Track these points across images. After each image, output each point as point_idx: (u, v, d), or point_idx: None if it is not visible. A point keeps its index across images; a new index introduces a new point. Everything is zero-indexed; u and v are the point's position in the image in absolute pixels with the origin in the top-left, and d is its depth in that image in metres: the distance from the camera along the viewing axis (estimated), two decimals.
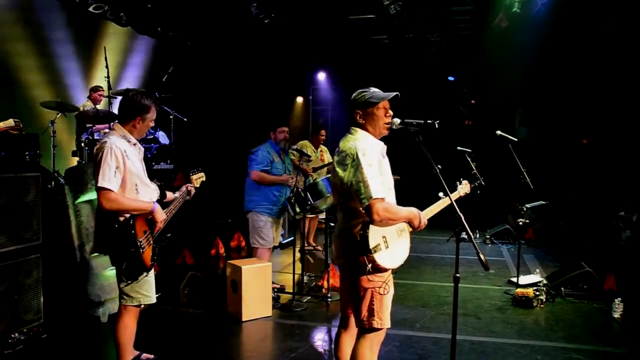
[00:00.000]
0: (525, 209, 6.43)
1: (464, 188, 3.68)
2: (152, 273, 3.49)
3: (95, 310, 4.82)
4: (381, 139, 3.00)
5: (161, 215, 3.45)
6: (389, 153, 3.01)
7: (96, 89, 7.57)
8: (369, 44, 11.88)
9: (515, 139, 5.97)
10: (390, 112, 2.96)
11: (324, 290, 5.83)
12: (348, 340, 3.13)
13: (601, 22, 9.14)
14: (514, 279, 6.10)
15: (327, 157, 7.91)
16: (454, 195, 3.22)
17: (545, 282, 5.88)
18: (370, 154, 2.80)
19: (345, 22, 10.89)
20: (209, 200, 8.10)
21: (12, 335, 4.07)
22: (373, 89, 2.96)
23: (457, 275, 2.89)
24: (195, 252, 7.11)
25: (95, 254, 4.77)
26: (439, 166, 2.84)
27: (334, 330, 3.32)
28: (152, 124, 3.57)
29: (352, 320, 3.02)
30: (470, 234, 2.75)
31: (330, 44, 11.72)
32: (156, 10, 8.93)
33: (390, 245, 2.86)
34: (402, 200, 3.02)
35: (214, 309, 5.24)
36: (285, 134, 5.70)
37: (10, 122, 4.52)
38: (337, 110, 13.80)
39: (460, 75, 12.78)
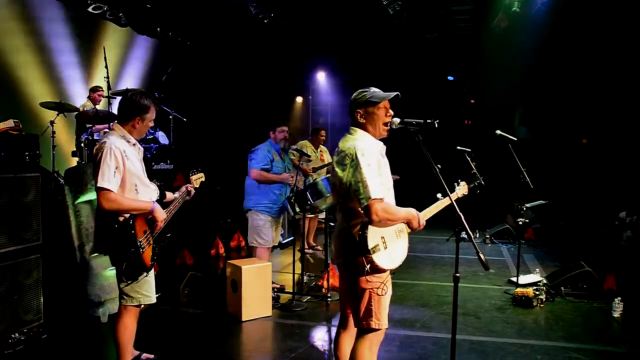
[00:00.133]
0: (525, 209, 6.43)
1: (461, 190, 3.68)
2: (152, 273, 3.49)
3: (95, 311, 4.82)
4: (381, 139, 3.00)
5: (161, 215, 3.45)
6: (388, 153, 3.01)
7: (96, 89, 7.57)
8: (369, 43, 11.88)
9: (515, 139, 5.97)
10: (391, 112, 2.97)
11: (323, 290, 5.84)
12: (347, 340, 3.14)
13: (601, 22, 9.14)
14: (514, 279, 6.10)
15: (327, 157, 7.91)
16: (452, 197, 3.22)
17: (545, 281, 5.88)
18: (369, 154, 2.80)
19: (345, 21, 10.89)
20: (208, 200, 8.11)
21: (12, 336, 4.07)
22: (373, 89, 2.97)
23: (457, 274, 2.89)
24: (195, 252, 7.11)
25: (95, 254, 4.77)
26: (439, 166, 2.84)
27: (334, 330, 3.32)
28: (151, 124, 3.57)
29: (352, 320, 3.02)
30: (470, 233, 2.75)
31: (330, 44, 11.72)
32: (155, 10, 8.93)
33: (389, 246, 2.86)
34: (401, 201, 3.03)
35: (214, 309, 5.24)
36: (285, 133, 5.71)
37: (10, 122, 4.53)
38: (336, 110, 13.80)
39: (460, 74, 12.77)
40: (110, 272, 4.82)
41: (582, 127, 10.76)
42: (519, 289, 5.56)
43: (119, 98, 6.56)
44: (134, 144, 3.45)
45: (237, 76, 11.32)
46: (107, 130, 6.84)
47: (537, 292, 5.51)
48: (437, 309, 5.35)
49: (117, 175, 3.22)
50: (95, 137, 6.74)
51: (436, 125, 2.84)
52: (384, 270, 2.85)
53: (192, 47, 10.32)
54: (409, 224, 2.93)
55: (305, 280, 6.26)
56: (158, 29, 9.35)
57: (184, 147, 8.58)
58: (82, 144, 6.80)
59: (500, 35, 9.78)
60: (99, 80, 7.88)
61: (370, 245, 2.76)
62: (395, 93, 2.93)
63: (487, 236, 9.04)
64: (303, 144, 8.10)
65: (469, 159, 5.76)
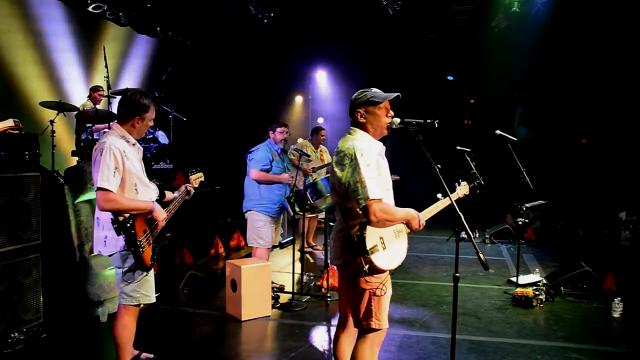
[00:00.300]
0: (524, 209, 6.43)
1: (462, 189, 3.67)
2: (151, 273, 3.49)
3: (94, 310, 4.83)
4: (380, 139, 3.00)
5: (161, 215, 3.45)
6: (388, 153, 3.01)
7: (96, 88, 7.56)
8: (369, 43, 11.88)
9: (515, 139, 5.98)
10: (391, 112, 2.97)
11: (323, 290, 5.84)
12: (346, 340, 3.14)
13: (601, 22, 9.15)
14: (514, 279, 6.10)
15: (327, 157, 7.92)
16: (453, 197, 3.22)
17: (544, 281, 5.88)
18: (368, 155, 2.80)
19: (345, 21, 10.89)
20: (208, 199, 8.11)
21: (12, 335, 4.07)
22: (374, 89, 2.97)
23: (457, 274, 2.89)
24: (194, 252, 7.11)
25: (95, 254, 4.77)
26: (439, 166, 2.84)
27: (333, 330, 3.32)
28: (151, 124, 3.57)
29: (351, 320, 3.02)
30: (470, 233, 2.75)
31: (330, 44, 11.73)
32: (155, 9, 8.94)
33: (388, 247, 2.86)
34: (401, 201, 3.03)
35: (213, 308, 5.24)
36: (285, 134, 5.71)
37: (10, 121, 4.52)
38: (336, 109, 13.80)
39: (460, 75, 12.77)
40: (110, 272, 4.82)
41: (581, 127, 10.77)
42: (518, 289, 5.56)
43: (118, 97, 6.55)
44: (133, 144, 3.44)
45: (237, 76, 11.32)
46: (106, 129, 6.84)
47: (537, 292, 5.51)
48: (437, 309, 5.35)
49: (116, 175, 3.21)
50: (95, 137, 6.74)
51: (436, 125, 2.84)
52: (382, 271, 2.84)
53: (192, 47, 10.32)
54: (408, 224, 2.93)
55: (304, 280, 6.26)
56: (158, 28, 9.35)
57: (184, 147, 8.58)
58: (82, 144, 6.79)
59: (500, 35, 9.78)
60: (99, 79, 7.87)
61: (369, 245, 2.76)
62: (396, 94, 2.94)
63: (487, 236, 9.04)
64: (303, 143, 8.11)
65: (468, 159, 5.76)
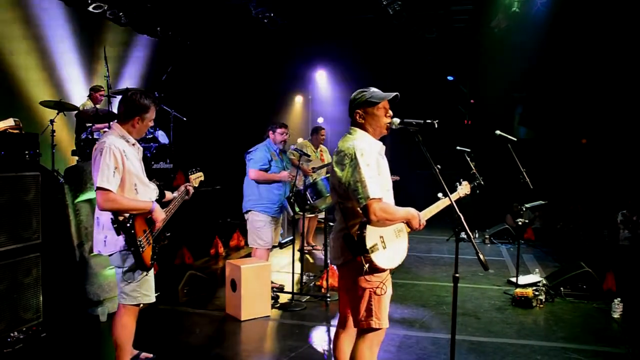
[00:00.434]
0: (524, 209, 6.43)
1: (463, 189, 3.67)
2: (151, 272, 3.49)
3: (94, 309, 4.83)
4: (380, 139, 3.00)
5: (160, 215, 3.45)
6: (388, 153, 3.01)
7: (97, 89, 7.56)
8: (369, 43, 11.88)
9: (515, 139, 5.98)
10: (390, 112, 2.97)
11: (323, 290, 5.84)
12: (346, 340, 3.14)
13: (601, 22, 9.15)
14: (514, 279, 6.10)
15: (327, 157, 7.92)
16: (454, 196, 3.22)
17: (544, 282, 5.88)
18: (368, 154, 2.81)
19: (345, 21, 10.89)
20: (208, 199, 8.11)
21: (12, 334, 4.07)
22: (373, 89, 2.97)
23: (457, 275, 2.89)
24: (194, 252, 7.11)
25: (95, 253, 4.77)
26: (439, 166, 2.84)
27: (333, 330, 3.32)
28: (151, 124, 3.56)
29: (351, 320, 3.02)
30: (470, 233, 2.75)
31: (330, 44, 11.72)
32: (155, 9, 8.93)
33: (388, 246, 2.86)
34: (401, 201, 3.03)
35: (213, 308, 5.24)
36: (285, 135, 5.71)
37: (10, 121, 4.52)
38: (336, 109, 13.80)
39: (460, 75, 12.78)
40: (110, 271, 4.82)
41: (581, 127, 10.78)
42: (518, 290, 5.56)
43: (119, 97, 6.55)
44: (133, 144, 3.44)
45: (237, 76, 11.32)
46: (106, 129, 6.83)
47: (537, 293, 5.51)
48: (437, 309, 5.35)
49: (116, 175, 3.21)
50: (95, 136, 6.74)
51: (436, 126, 2.84)
52: (383, 270, 2.84)
53: (192, 47, 10.32)
54: (408, 223, 2.93)
55: (304, 280, 6.26)
56: (158, 28, 9.35)
57: (184, 147, 8.57)
58: (82, 143, 6.79)
59: (500, 36, 9.78)
60: (99, 79, 7.87)
61: (369, 244, 2.76)
62: (395, 94, 2.94)
63: (487, 236, 9.04)
64: (303, 143, 8.11)
65: (468, 159, 5.76)
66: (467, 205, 3.55)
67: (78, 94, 8.35)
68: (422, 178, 11.06)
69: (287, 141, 5.82)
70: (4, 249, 4.01)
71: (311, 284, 6.17)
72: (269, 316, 5.04)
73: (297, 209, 5.41)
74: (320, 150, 7.99)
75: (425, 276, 6.73)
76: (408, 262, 7.30)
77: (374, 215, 2.70)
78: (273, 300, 5.30)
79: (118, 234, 3.20)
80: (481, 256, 2.64)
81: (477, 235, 9.23)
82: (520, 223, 6.24)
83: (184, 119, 8.49)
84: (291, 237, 8.13)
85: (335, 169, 2.90)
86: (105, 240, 3.33)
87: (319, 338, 4.60)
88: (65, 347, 4.28)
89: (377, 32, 11.23)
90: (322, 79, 13.83)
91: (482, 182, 4.32)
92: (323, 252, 6.28)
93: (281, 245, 7.12)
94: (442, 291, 6.01)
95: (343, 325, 3.17)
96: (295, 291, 5.61)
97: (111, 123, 5.79)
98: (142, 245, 3.27)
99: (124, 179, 3.28)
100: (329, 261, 5.82)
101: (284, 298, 5.57)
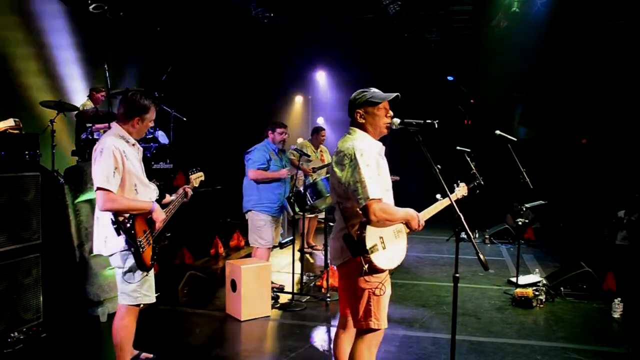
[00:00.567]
0: (524, 209, 6.43)
1: (461, 190, 3.68)
2: (151, 273, 3.49)
3: (94, 310, 4.83)
4: (380, 140, 3.01)
5: (161, 215, 3.45)
6: (387, 153, 3.02)
7: (98, 89, 7.55)
8: (369, 43, 11.88)
9: (515, 139, 5.98)
10: (391, 113, 2.97)
11: (323, 290, 5.84)
12: (347, 340, 3.14)
13: (600, 22, 9.15)
14: (514, 279, 6.10)
15: (327, 158, 7.91)
16: (451, 198, 3.21)
17: (544, 282, 5.88)
18: (368, 155, 2.81)
19: (345, 21, 10.89)
20: (208, 199, 8.11)
21: (12, 335, 4.07)
22: (373, 89, 2.97)
23: (457, 275, 2.89)
24: (194, 252, 7.11)
25: (95, 254, 4.77)
26: (439, 166, 2.84)
27: (333, 330, 3.32)
28: (151, 124, 3.56)
29: (351, 320, 3.02)
30: (470, 233, 2.75)
31: (330, 44, 11.73)
32: (155, 9, 8.93)
33: (387, 246, 2.86)
34: (401, 201, 3.02)
35: (213, 308, 5.24)
36: (284, 135, 5.72)
37: (10, 121, 4.53)
38: (336, 109, 13.80)
39: (460, 75, 12.78)
40: (110, 272, 4.82)
41: (581, 127, 10.78)
42: (518, 290, 5.56)
43: (119, 97, 6.54)
44: (133, 144, 3.44)
45: (237, 76, 11.31)
46: (106, 129, 6.83)
47: (537, 293, 5.51)
48: (437, 309, 5.35)
49: (116, 175, 3.21)
50: (95, 137, 6.73)
51: (436, 126, 2.84)
52: (382, 271, 2.84)
53: (192, 47, 10.31)
54: (408, 224, 2.93)
55: (304, 280, 6.26)
56: (158, 28, 9.35)
57: (184, 147, 8.57)
58: (82, 143, 6.79)
59: (500, 35, 9.78)
60: (99, 79, 7.86)
61: (369, 245, 2.76)
62: (396, 94, 2.94)
63: (487, 236, 9.04)
64: (303, 143, 8.11)
65: (468, 159, 5.76)
66: (467, 205, 3.55)
67: (78, 94, 8.35)
68: (422, 178, 11.05)
69: (286, 141, 5.83)
70: (4, 250, 4.01)
71: (311, 284, 6.16)
72: (269, 316, 5.04)
73: (297, 209, 5.41)
74: (321, 151, 7.99)
75: (425, 276, 6.73)
76: (408, 262, 7.30)
77: (374, 215, 2.71)
78: (273, 301, 5.30)
79: (118, 234, 3.20)
80: (481, 256, 2.64)
81: (477, 235, 9.23)
82: (520, 223, 6.24)
83: (184, 119, 8.49)
84: (291, 237, 8.13)
85: (335, 169, 2.90)
86: (106, 241, 3.33)
87: (319, 338, 4.60)
88: (66, 348, 4.28)
89: (377, 32, 11.24)
90: (322, 79, 13.84)
91: (482, 182, 4.33)
92: (323, 252, 6.28)
93: (281, 246, 7.13)
94: (442, 291, 6.01)
95: (343, 325, 3.17)
96: (295, 291, 5.61)
97: (111, 123, 5.79)
98: (142, 246, 3.27)
99: (124, 179, 3.28)
100: (329, 261, 5.83)
101: (284, 298, 5.57)
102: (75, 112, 7.19)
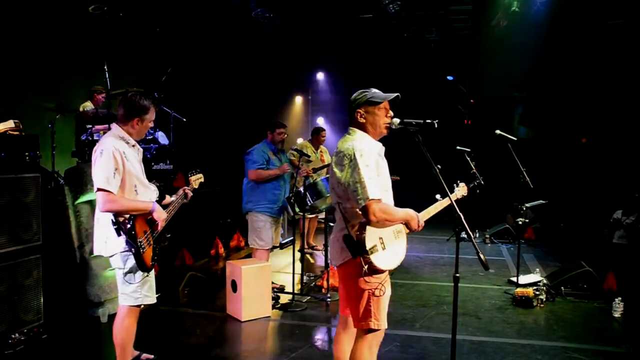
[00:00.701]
0: (524, 209, 6.43)
1: (460, 191, 3.68)
2: (152, 273, 3.49)
3: (95, 311, 4.83)
4: (380, 140, 3.01)
5: (161, 215, 3.45)
6: (387, 154, 3.02)
7: (97, 90, 7.56)
8: (368, 43, 11.88)
9: (515, 138, 5.97)
10: (391, 113, 2.98)
11: (323, 290, 5.84)
12: (347, 340, 3.14)
13: (600, 21, 9.15)
14: (514, 279, 6.10)
15: (327, 158, 7.91)
16: (451, 198, 3.22)
17: (545, 281, 5.88)
18: (368, 155, 2.81)
19: (345, 21, 10.89)
20: (208, 200, 8.11)
21: (13, 336, 4.07)
22: (373, 90, 2.98)
23: (457, 274, 2.89)
24: (194, 253, 7.11)
25: (95, 255, 4.77)
26: (439, 166, 2.84)
27: (334, 330, 3.32)
28: (151, 125, 3.56)
29: (351, 320, 3.02)
30: (470, 233, 2.75)
31: (330, 44, 11.73)
32: (155, 10, 8.94)
33: (387, 247, 2.86)
34: (401, 201, 3.03)
35: (213, 309, 5.24)
36: (283, 135, 5.72)
37: (10, 123, 4.53)
38: (336, 110, 13.81)
39: (459, 74, 12.78)
40: (110, 273, 4.82)
41: (581, 127, 10.77)
42: (519, 289, 5.56)
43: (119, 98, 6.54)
44: (133, 145, 3.44)
45: (237, 76, 11.32)
46: (106, 130, 6.83)
47: (537, 292, 5.51)
48: (437, 309, 5.35)
49: (116, 176, 3.21)
50: (95, 138, 6.74)
51: (436, 126, 2.84)
52: (382, 271, 2.85)
53: (192, 47, 10.31)
54: (407, 224, 2.93)
55: (305, 281, 6.26)
56: (158, 29, 9.35)
57: (184, 148, 8.57)
58: (82, 145, 6.79)
59: (500, 35, 9.78)
60: (99, 80, 7.86)
61: (368, 245, 2.76)
62: (396, 94, 2.94)
63: (487, 236, 9.04)
64: (303, 144, 8.11)
65: (468, 158, 5.76)
66: (467, 205, 3.55)
67: (78, 96, 8.35)
68: (421, 178, 11.04)
69: (285, 140, 5.83)
70: (4, 251, 4.01)
71: (312, 285, 6.16)
72: (269, 317, 5.04)
73: (297, 210, 5.41)
74: (321, 151, 7.99)
75: (426, 276, 6.73)
76: (408, 262, 7.30)
77: (373, 216, 2.71)
78: (273, 301, 5.30)
79: (119, 235, 3.20)
80: (482, 256, 2.64)
81: (477, 235, 9.23)
82: (520, 223, 6.24)
83: (184, 119, 8.49)
84: (291, 238, 8.13)
85: (335, 169, 2.90)
86: (106, 242, 3.34)
87: (320, 338, 4.60)
88: (66, 349, 4.28)
89: (377, 32, 11.24)
90: (321, 80, 13.84)
91: (482, 182, 4.33)
92: (323, 252, 6.28)
93: (281, 246, 7.12)
94: (442, 291, 6.01)
95: (344, 325, 3.17)
96: (295, 292, 5.61)
97: (111, 124, 5.79)
98: (143, 246, 3.27)
99: (124, 180, 3.29)
100: (329, 261, 5.83)
101: (284, 298, 5.57)
102: (75, 113, 7.19)
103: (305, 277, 6.36)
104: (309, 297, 5.65)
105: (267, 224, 5.57)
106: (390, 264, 2.87)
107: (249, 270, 4.91)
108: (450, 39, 11.56)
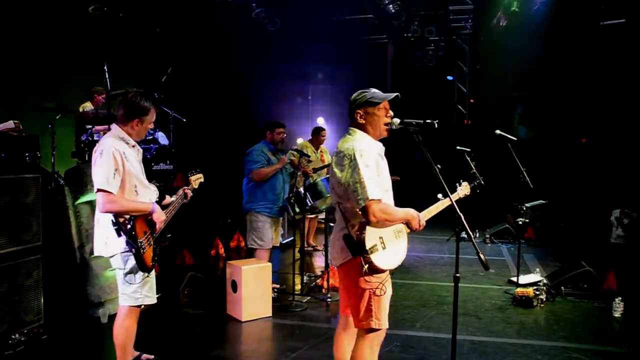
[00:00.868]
0: (524, 208, 6.43)
1: (463, 190, 3.67)
2: (152, 274, 3.49)
3: (95, 311, 4.83)
4: (380, 140, 3.01)
5: (161, 216, 3.45)
6: (387, 153, 3.02)
7: (98, 91, 7.56)
8: (368, 43, 11.90)
9: (515, 138, 5.97)
10: (391, 113, 2.97)
11: (323, 291, 5.84)
12: (347, 341, 3.14)
13: (600, 21, 9.15)
14: (514, 279, 6.10)
15: (327, 158, 7.91)
16: (453, 197, 3.23)
17: (545, 281, 5.87)
18: (368, 155, 2.81)
19: (345, 21, 10.90)
20: (208, 200, 8.11)
21: (13, 336, 4.07)
22: (374, 90, 2.98)
23: (457, 274, 2.89)
24: (195, 253, 7.11)
25: (95, 255, 4.77)
26: (439, 166, 2.84)
27: (334, 330, 3.32)
28: (151, 126, 3.56)
29: (352, 320, 3.02)
30: (470, 233, 2.75)
31: (330, 44, 11.73)
32: (155, 10, 8.94)
33: (388, 246, 2.86)
34: (401, 201, 3.03)
35: (213, 309, 5.24)
36: (283, 135, 5.72)
37: (10, 123, 4.54)
38: (336, 110, 13.79)
39: (459, 74, 12.79)
40: (110, 273, 4.82)
41: (581, 127, 10.77)
42: (519, 289, 5.55)
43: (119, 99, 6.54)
44: (133, 146, 3.44)
45: (237, 76, 11.32)
46: (106, 131, 6.83)
47: (538, 292, 5.50)
48: (438, 309, 5.35)
49: (116, 177, 3.21)
50: (95, 138, 6.74)
51: (436, 126, 2.84)
52: (382, 271, 2.85)
53: (192, 48, 10.32)
54: (408, 224, 2.93)
55: (305, 281, 6.26)
56: (157, 29, 9.36)
57: (184, 148, 8.58)
58: (82, 145, 6.79)
59: (500, 35, 9.79)
60: (99, 80, 7.86)
61: (368, 245, 2.76)
62: (395, 94, 2.94)
63: (487, 236, 9.03)
64: (303, 144, 8.10)
65: (468, 158, 5.76)
66: (468, 204, 3.55)
67: (78, 96, 8.35)
68: (421, 178, 11.04)
69: (284, 140, 5.83)
70: (4, 251, 4.01)
71: (312, 285, 6.16)
72: (269, 317, 5.04)
73: (297, 210, 5.41)
74: (321, 151, 7.99)
75: (426, 276, 6.73)
76: (408, 262, 7.30)
77: (373, 216, 2.71)
78: (274, 301, 5.29)
79: (119, 236, 3.20)
80: (482, 256, 2.64)
81: (477, 235, 9.22)
82: (520, 222, 6.24)
83: (184, 120, 8.49)
84: (291, 238, 8.14)
85: (335, 169, 2.90)
86: (106, 242, 3.34)
87: (320, 339, 4.59)
88: (67, 349, 4.28)
89: (377, 32, 11.25)
90: (322, 80, 13.82)
91: (482, 182, 4.32)
92: (323, 252, 6.28)
93: (282, 246, 7.13)
94: (442, 291, 6.01)
95: (344, 325, 3.17)
96: (296, 292, 5.61)
97: (111, 125, 5.79)
98: (143, 247, 3.28)
99: (124, 181, 3.29)
100: (329, 261, 5.83)
101: (284, 299, 5.56)
102: (75, 114, 7.19)
103: (305, 277, 6.36)
104: (309, 298, 5.64)
105: (267, 224, 5.57)
106: (390, 264, 2.87)
107: (249, 271, 4.91)
108: (451, 39, 11.57)
